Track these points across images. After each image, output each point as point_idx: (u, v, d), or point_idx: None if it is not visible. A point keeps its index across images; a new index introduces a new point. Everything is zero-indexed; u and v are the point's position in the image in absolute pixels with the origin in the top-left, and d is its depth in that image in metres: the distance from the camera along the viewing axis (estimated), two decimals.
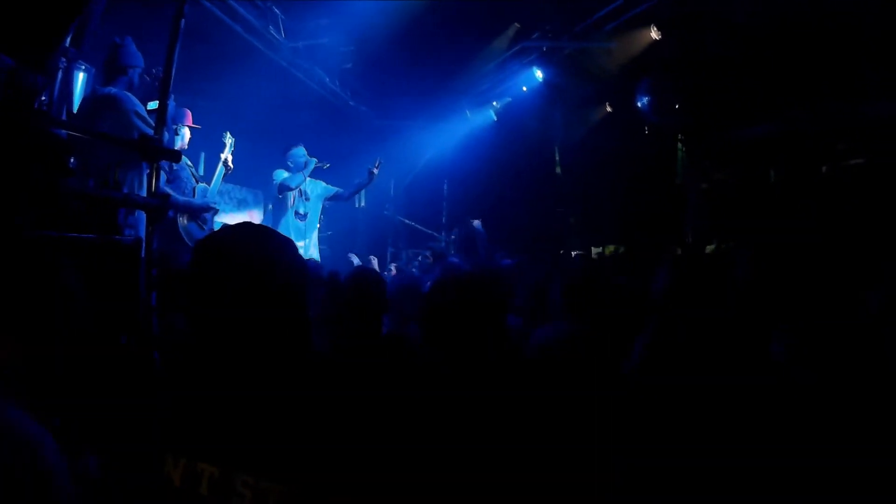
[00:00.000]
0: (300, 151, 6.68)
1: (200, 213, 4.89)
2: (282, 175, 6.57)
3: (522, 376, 1.87)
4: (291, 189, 6.54)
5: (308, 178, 6.71)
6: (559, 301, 2.98)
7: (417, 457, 1.26)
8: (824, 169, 7.79)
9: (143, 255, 2.83)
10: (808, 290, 2.87)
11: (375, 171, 6.99)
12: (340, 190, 7.14)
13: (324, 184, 6.99)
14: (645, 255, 7.40)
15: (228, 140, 5.34)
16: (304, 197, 6.70)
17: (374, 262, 7.44)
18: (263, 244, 1.32)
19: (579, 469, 1.58)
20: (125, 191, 3.62)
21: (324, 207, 7.08)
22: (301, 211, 6.68)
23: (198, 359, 1.29)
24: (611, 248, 9.84)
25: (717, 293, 2.77)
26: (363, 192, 7.66)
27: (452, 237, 9.90)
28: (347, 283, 3.01)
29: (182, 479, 1.18)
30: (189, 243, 4.68)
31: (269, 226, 6.58)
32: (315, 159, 6.70)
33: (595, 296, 2.94)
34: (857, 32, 6.34)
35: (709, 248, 8.38)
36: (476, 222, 7.26)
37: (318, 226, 7.03)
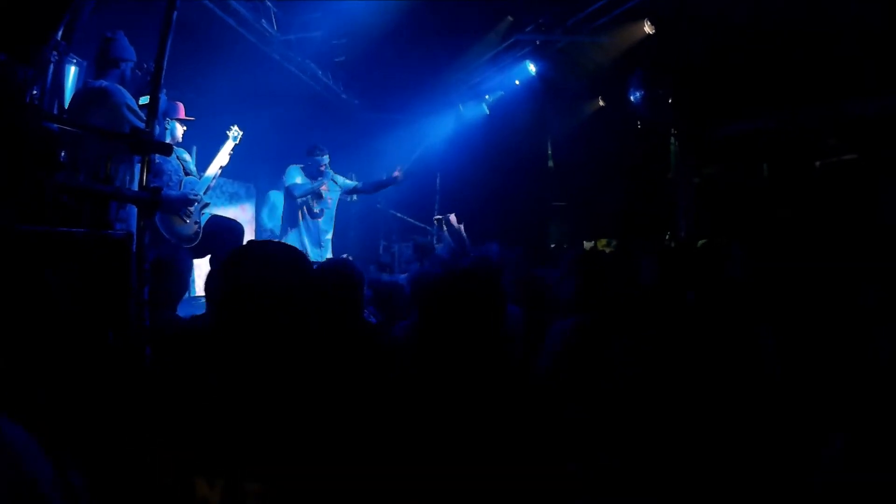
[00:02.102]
0: (323, 160, 6.50)
1: (178, 205, 4.56)
2: (294, 176, 6.43)
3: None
4: (296, 198, 6.41)
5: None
6: (566, 295, 2.97)
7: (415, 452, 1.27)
8: (817, 164, 7.84)
9: (134, 250, 2.81)
10: (800, 287, 2.89)
11: (399, 176, 6.96)
12: (359, 184, 7.04)
13: (342, 178, 6.86)
14: (637, 249, 7.42)
15: (234, 133, 5.19)
16: (316, 196, 6.55)
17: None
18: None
19: (561, 464, 1.58)
20: (116, 184, 3.60)
21: (340, 201, 6.93)
22: (316, 210, 6.53)
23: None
24: (603, 241, 9.85)
25: (707, 286, 2.78)
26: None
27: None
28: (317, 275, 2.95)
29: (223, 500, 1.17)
30: (166, 235, 4.42)
31: (280, 222, 6.32)
32: (332, 172, 6.60)
33: (599, 289, 2.92)
34: (851, 30, 6.36)
35: (700, 243, 8.40)
36: (451, 216, 7.26)
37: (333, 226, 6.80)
